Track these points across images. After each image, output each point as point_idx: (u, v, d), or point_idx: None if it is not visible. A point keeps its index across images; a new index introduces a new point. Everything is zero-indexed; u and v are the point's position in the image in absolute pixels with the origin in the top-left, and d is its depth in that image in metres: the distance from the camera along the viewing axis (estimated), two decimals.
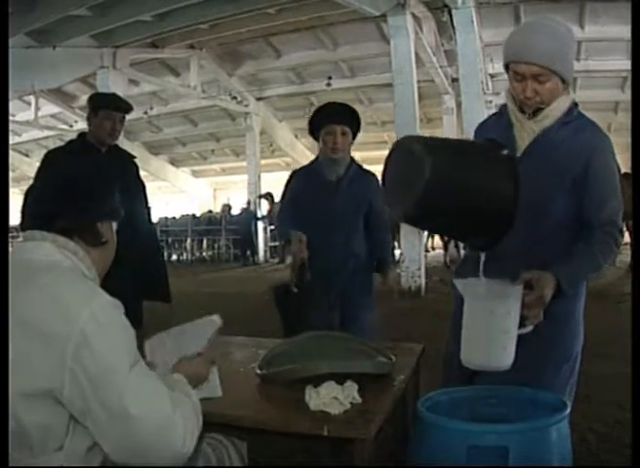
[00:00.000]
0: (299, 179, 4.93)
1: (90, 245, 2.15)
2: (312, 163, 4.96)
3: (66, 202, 2.13)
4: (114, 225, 2.29)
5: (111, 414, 1.86)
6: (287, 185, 4.99)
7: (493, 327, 2.65)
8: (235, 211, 26.11)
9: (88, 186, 2.20)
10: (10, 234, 20.68)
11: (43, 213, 2.13)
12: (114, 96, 5.47)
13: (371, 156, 26.48)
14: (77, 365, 1.82)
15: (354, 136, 4.77)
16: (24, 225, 2.15)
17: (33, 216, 2.14)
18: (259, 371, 2.79)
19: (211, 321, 2.79)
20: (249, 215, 23.63)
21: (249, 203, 23.97)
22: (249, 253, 23.45)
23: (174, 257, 26.08)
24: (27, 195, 2.21)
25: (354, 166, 4.85)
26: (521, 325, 2.68)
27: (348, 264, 4.76)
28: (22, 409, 1.84)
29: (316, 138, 4.76)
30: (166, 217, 27.45)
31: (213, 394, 2.59)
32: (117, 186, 2.31)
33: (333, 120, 4.62)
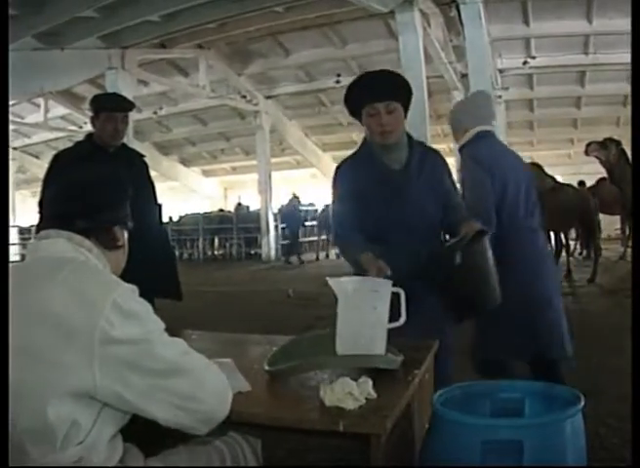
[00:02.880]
0: (352, 174, 3.81)
1: (105, 247, 2.20)
2: (361, 149, 3.92)
3: (87, 204, 2.18)
4: (126, 233, 2.34)
5: (154, 378, 1.94)
6: (336, 183, 3.88)
7: (361, 320, 2.87)
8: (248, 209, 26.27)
9: (109, 191, 2.26)
10: (21, 236, 20.64)
11: (62, 213, 2.16)
12: (114, 96, 5.49)
13: None
14: (107, 354, 1.87)
15: (407, 108, 3.74)
16: (42, 226, 2.17)
17: (51, 217, 2.17)
18: (267, 368, 2.80)
19: (227, 363, 2.88)
20: (295, 211, 23.30)
21: (295, 197, 23.76)
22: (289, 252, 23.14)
23: (185, 256, 26.18)
24: (44, 197, 2.24)
25: (416, 145, 3.86)
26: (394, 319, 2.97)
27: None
28: (53, 408, 1.86)
29: (358, 119, 3.80)
30: (179, 216, 27.59)
31: (242, 388, 2.61)
32: (130, 194, 2.34)
33: (374, 97, 3.60)
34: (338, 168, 3.94)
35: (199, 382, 2.03)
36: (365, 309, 2.89)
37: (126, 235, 2.34)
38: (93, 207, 2.18)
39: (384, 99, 3.59)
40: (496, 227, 3.99)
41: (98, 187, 2.23)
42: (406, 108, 3.73)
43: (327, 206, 22.42)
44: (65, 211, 2.15)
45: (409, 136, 3.83)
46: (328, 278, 2.99)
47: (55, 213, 2.18)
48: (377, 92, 3.61)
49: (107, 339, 1.87)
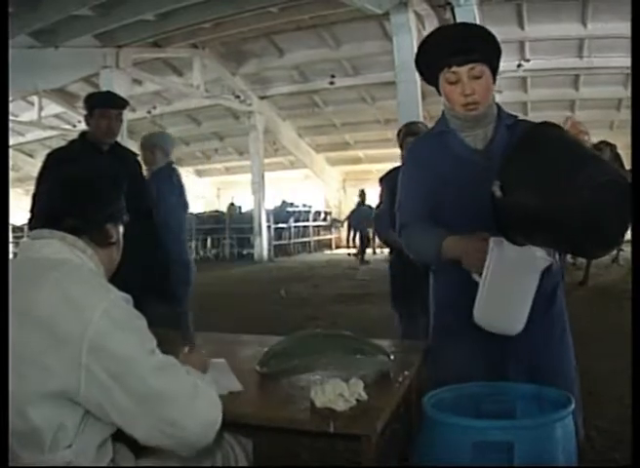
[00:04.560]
0: (423, 154, 3.11)
1: (98, 245, 2.18)
2: (437, 124, 3.15)
3: (78, 202, 2.15)
4: (121, 228, 2.31)
5: (138, 399, 1.88)
6: (404, 165, 3.28)
7: (523, 290, 2.65)
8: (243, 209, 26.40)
9: (99, 188, 2.23)
10: (14, 234, 20.63)
11: (53, 212, 2.14)
12: (108, 93, 5.52)
13: (374, 154, 26.54)
14: (94, 362, 1.84)
15: (495, 72, 2.95)
16: (33, 225, 2.16)
17: (43, 216, 2.15)
18: (258, 369, 2.80)
19: (221, 363, 2.91)
20: (365, 210, 22.87)
21: (363, 194, 23.48)
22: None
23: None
24: (36, 195, 2.22)
25: (506, 118, 3.03)
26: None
27: None
28: (37, 409, 1.85)
29: (434, 85, 3.01)
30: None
31: (233, 388, 2.61)
32: (124, 189, 2.33)
33: (454, 59, 2.82)
34: (410, 147, 3.35)
35: (184, 410, 1.95)
36: (532, 278, 2.66)
37: (121, 229, 2.31)
38: (82, 205, 2.16)
39: (467, 62, 2.81)
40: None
41: (87, 185, 2.21)
42: (494, 71, 2.95)
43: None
44: (56, 210, 2.13)
45: (499, 108, 3.05)
46: (493, 238, 2.64)
47: (45, 211, 2.16)
48: (457, 52, 2.82)
49: (95, 348, 1.84)
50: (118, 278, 2.26)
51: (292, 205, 27.69)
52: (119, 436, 2.08)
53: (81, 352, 1.83)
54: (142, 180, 5.21)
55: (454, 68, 2.81)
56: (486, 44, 2.88)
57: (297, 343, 3.05)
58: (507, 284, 2.63)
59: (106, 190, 2.25)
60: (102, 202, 2.21)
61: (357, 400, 2.37)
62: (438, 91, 2.99)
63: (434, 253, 2.88)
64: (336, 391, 2.35)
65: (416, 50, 2.96)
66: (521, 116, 3.17)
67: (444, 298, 3.16)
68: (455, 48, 2.82)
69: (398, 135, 5.22)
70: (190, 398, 1.97)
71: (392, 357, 2.81)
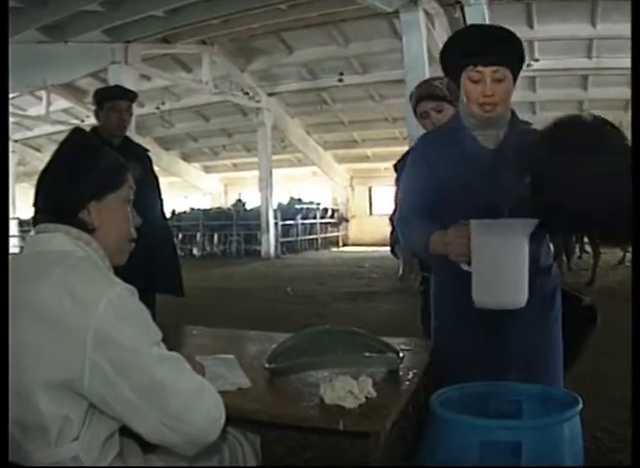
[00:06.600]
0: (433, 149, 3.10)
1: (89, 233, 2.11)
2: (451, 120, 3.18)
3: (43, 198, 2.13)
4: (120, 196, 2.20)
5: (142, 391, 1.86)
6: (410, 158, 3.21)
7: (511, 261, 2.62)
8: (248, 206, 26.41)
9: (49, 182, 2.14)
10: (21, 228, 20.72)
11: (37, 208, 2.14)
12: (117, 86, 5.54)
13: (382, 152, 26.49)
14: (98, 353, 1.83)
15: (516, 77, 2.94)
16: (36, 219, 2.15)
17: (38, 210, 2.14)
18: (267, 365, 2.79)
19: (230, 359, 2.94)
20: None
21: None
22: None
23: (185, 251, 26.18)
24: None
25: (518, 123, 3.06)
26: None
27: (533, 286, 2.73)
28: (42, 400, 1.85)
29: (454, 82, 3.00)
30: (179, 212, 27.63)
31: (242, 384, 2.61)
32: (95, 162, 2.15)
33: (481, 59, 2.81)
34: (419, 140, 3.26)
35: (188, 404, 1.92)
36: (515, 247, 2.61)
37: (127, 198, 2.22)
38: (47, 200, 2.13)
39: (493, 64, 2.81)
40: None
41: (41, 178, 2.15)
42: (515, 77, 2.94)
43: None
44: (36, 205, 2.14)
45: (513, 113, 3.07)
46: (472, 221, 2.62)
47: (38, 206, 2.16)
48: (485, 52, 2.81)
49: (100, 339, 1.83)
50: (127, 272, 2.25)
51: (300, 201, 27.72)
52: (127, 430, 2.08)
53: (86, 343, 1.82)
54: (154, 176, 5.21)
55: (479, 68, 2.81)
56: (514, 49, 2.88)
57: (305, 340, 3.04)
58: (498, 258, 2.60)
59: (60, 183, 2.12)
60: (56, 197, 2.11)
61: (366, 397, 2.37)
62: (458, 87, 2.97)
63: (423, 250, 2.90)
64: (345, 388, 2.35)
65: (433, 45, 3.04)
66: (529, 116, 3.20)
67: (439, 297, 3.24)
68: (483, 48, 2.82)
69: (410, 98, 4.25)
70: (195, 392, 1.95)
71: (401, 355, 2.81)
